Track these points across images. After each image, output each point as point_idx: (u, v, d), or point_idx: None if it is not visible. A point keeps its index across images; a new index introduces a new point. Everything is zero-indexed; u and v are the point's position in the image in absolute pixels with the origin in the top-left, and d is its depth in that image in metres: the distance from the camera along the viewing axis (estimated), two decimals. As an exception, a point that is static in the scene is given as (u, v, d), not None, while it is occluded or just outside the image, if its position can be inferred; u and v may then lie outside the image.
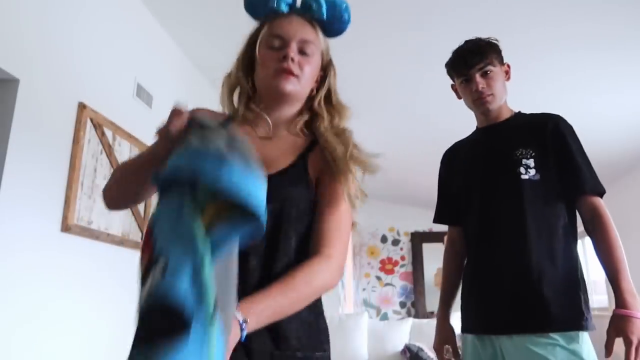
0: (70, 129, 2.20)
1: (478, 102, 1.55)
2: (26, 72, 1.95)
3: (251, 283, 0.86)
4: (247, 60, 1.03)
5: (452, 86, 1.66)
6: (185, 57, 3.42)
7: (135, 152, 2.67)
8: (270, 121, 1.01)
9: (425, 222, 6.83)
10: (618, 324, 1.29)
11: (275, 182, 0.86)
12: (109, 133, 2.44)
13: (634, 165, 4.68)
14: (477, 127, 1.66)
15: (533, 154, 1.45)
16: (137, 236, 2.65)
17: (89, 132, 2.30)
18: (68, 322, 2.12)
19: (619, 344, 1.29)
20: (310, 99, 1.04)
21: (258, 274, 0.88)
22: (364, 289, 6.87)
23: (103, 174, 2.39)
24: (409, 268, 6.96)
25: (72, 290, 2.16)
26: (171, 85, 3.18)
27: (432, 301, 6.56)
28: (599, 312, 1.35)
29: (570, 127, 1.50)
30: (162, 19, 2.97)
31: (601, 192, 1.44)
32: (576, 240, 1.46)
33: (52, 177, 2.08)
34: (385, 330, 4.02)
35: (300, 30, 1.00)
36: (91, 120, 2.31)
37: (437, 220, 1.72)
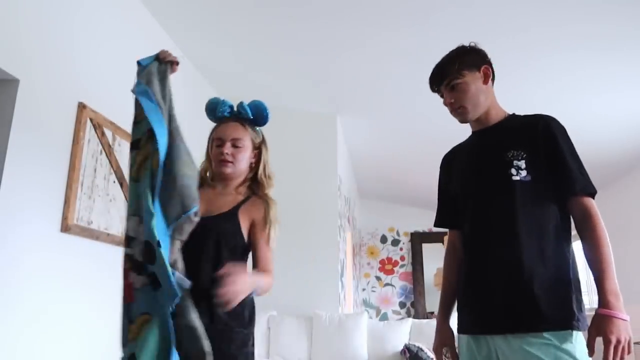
0: (70, 129, 2.20)
1: (453, 114, 1.59)
2: (26, 72, 1.95)
3: (203, 278, 1.43)
4: (207, 154, 1.66)
5: None
6: (185, 57, 3.42)
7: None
8: (220, 187, 1.63)
9: (425, 222, 6.83)
10: (599, 324, 1.29)
11: (216, 220, 1.53)
12: (108, 133, 2.44)
13: (634, 165, 4.68)
14: (472, 131, 1.66)
15: (525, 155, 1.45)
16: (137, 236, 2.64)
17: (89, 132, 2.30)
18: (68, 323, 2.12)
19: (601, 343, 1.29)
20: (253, 169, 1.65)
21: (209, 270, 1.45)
22: (363, 289, 6.87)
23: (103, 174, 2.39)
24: (409, 268, 6.96)
25: (72, 291, 2.16)
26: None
27: (432, 301, 6.56)
28: (599, 313, 1.34)
29: (561, 128, 1.50)
30: (162, 19, 2.97)
31: (592, 193, 1.43)
32: (569, 241, 1.45)
33: (52, 177, 2.08)
34: (385, 331, 4.01)
35: (233, 132, 1.59)
36: (91, 120, 2.31)
37: (437, 224, 1.74)
